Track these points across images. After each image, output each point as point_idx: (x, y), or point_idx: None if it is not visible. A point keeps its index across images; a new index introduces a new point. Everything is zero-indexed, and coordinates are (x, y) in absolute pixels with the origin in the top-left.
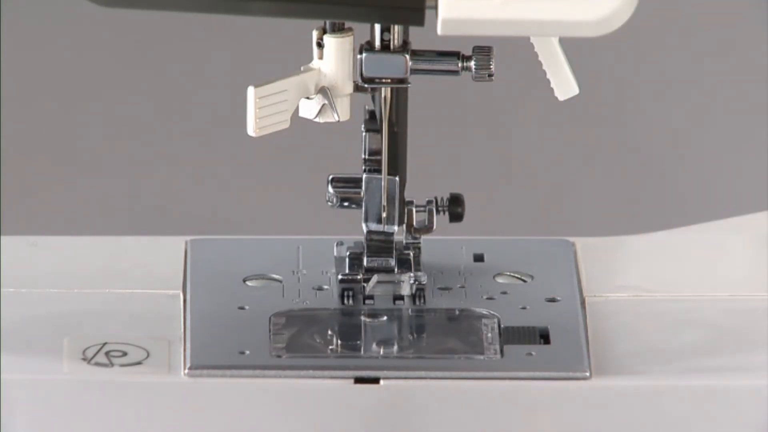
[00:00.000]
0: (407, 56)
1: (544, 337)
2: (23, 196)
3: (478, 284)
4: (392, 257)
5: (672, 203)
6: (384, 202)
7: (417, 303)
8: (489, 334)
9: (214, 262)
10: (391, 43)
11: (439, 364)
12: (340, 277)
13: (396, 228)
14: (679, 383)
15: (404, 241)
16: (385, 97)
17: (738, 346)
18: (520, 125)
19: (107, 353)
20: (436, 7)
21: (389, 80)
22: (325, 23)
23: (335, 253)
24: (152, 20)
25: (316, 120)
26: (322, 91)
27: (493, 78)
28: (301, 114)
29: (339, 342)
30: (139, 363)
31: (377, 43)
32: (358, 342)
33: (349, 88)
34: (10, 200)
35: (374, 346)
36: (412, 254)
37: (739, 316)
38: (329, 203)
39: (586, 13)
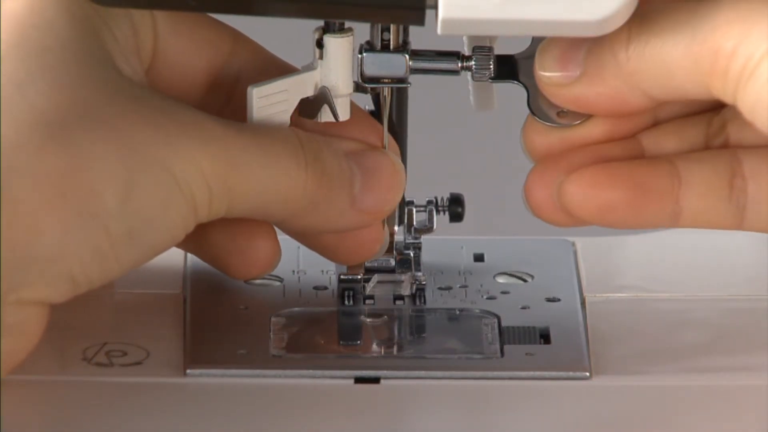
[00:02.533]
0: (407, 56)
1: (545, 337)
2: None
3: (479, 284)
4: (392, 257)
5: None
6: None
7: (417, 303)
8: (489, 334)
9: None
10: (391, 43)
11: (439, 364)
12: (340, 277)
13: (396, 228)
14: (679, 383)
15: (404, 241)
16: (385, 96)
17: (738, 346)
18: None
19: (107, 353)
20: (436, 7)
21: (389, 80)
22: (325, 23)
23: None
24: None
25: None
26: (322, 91)
27: (493, 78)
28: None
29: (339, 342)
30: (139, 363)
31: (377, 42)
32: (358, 342)
33: (349, 88)
34: None
35: (374, 346)
36: (412, 254)
37: (739, 316)
38: None
39: (587, 13)
